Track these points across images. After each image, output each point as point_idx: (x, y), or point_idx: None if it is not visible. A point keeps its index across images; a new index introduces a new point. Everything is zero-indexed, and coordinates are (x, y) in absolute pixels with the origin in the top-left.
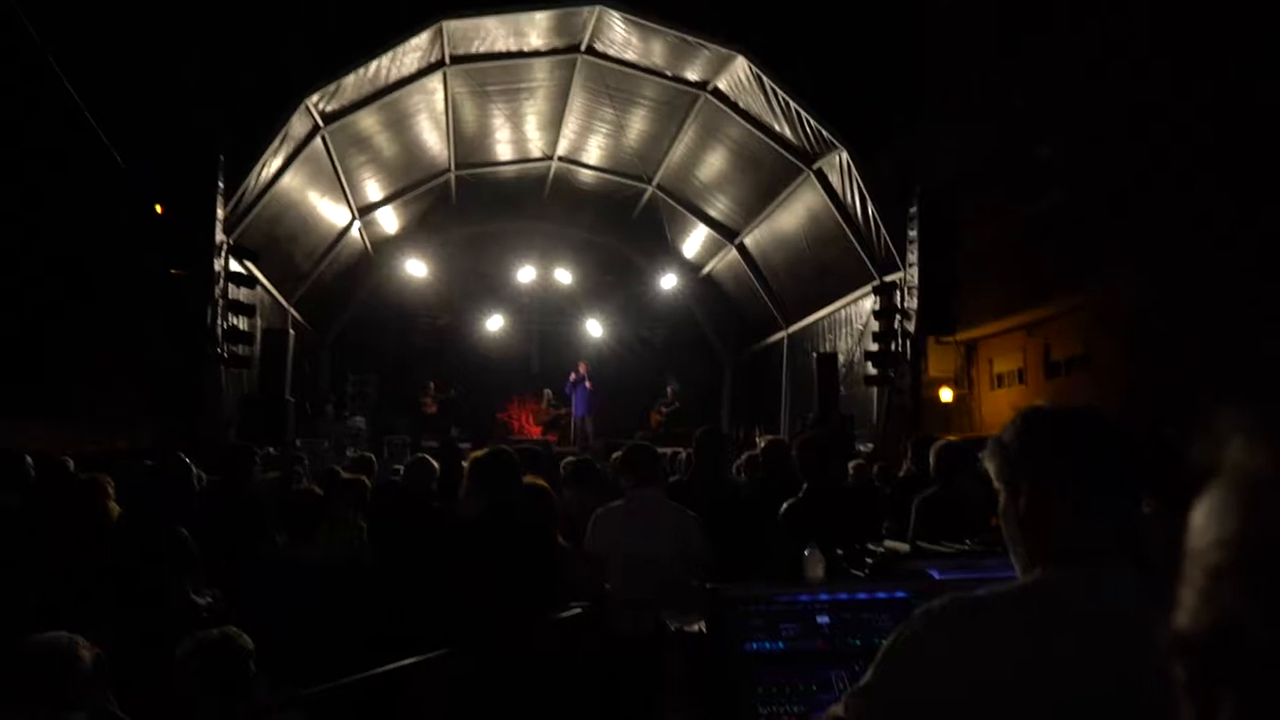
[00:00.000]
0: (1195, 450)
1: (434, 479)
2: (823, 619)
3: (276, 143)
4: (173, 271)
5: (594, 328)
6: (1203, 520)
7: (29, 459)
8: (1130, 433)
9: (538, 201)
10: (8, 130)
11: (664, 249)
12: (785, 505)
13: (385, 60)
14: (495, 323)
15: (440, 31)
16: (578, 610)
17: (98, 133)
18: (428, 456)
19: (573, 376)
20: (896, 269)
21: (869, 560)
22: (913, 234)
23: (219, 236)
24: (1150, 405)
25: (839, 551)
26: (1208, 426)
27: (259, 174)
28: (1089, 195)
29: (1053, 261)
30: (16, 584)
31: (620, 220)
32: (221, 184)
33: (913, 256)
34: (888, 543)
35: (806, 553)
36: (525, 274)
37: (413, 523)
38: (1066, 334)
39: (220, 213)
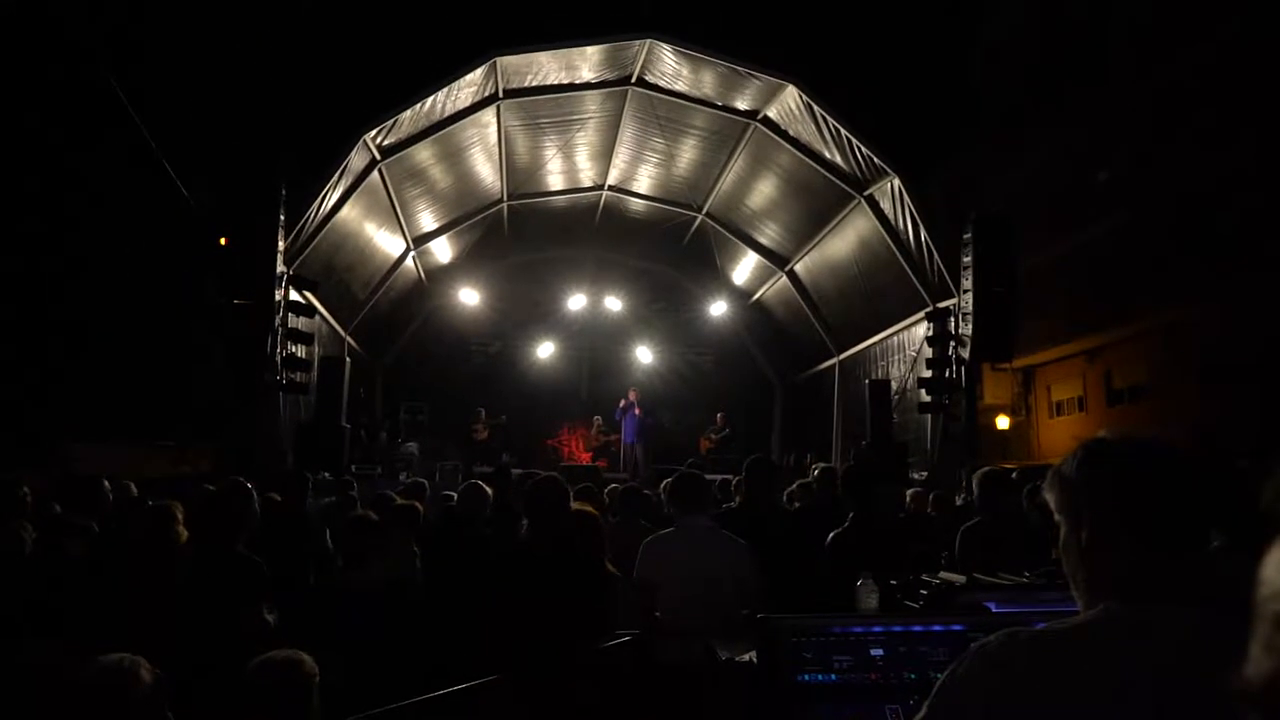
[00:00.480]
0: (1264, 491)
1: (487, 505)
2: (876, 651)
3: (336, 177)
4: (235, 301)
5: (644, 354)
6: (1271, 572)
7: (106, 484)
8: (1198, 464)
9: (588, 230)
10: (78, 164)
11: (714, 276)
12: (831, 535)
13: (441, 96)
14: (546, 350)
15: (494, 67)
16: (626, 638)
17: (166, 168)
18: (481, 483)
19: (622, 403)
20: (950, 295)
21: (923, 591)
22: (967, 259)
23: (280, 267)
24: (1220, 435)
25: (892, 582)
26: (1273, 474)
27: (319, 207)
28: (1152, 216)
29: (1114, 286)
30: (96, 604)
31: (670, 248)
32: (283, 217)
33: (967, 282)
34: (943, 574)
35: (859, 583)
36: (576, 302)
37: (463, 549)
38: (1129, 360)
39: (281, 244)
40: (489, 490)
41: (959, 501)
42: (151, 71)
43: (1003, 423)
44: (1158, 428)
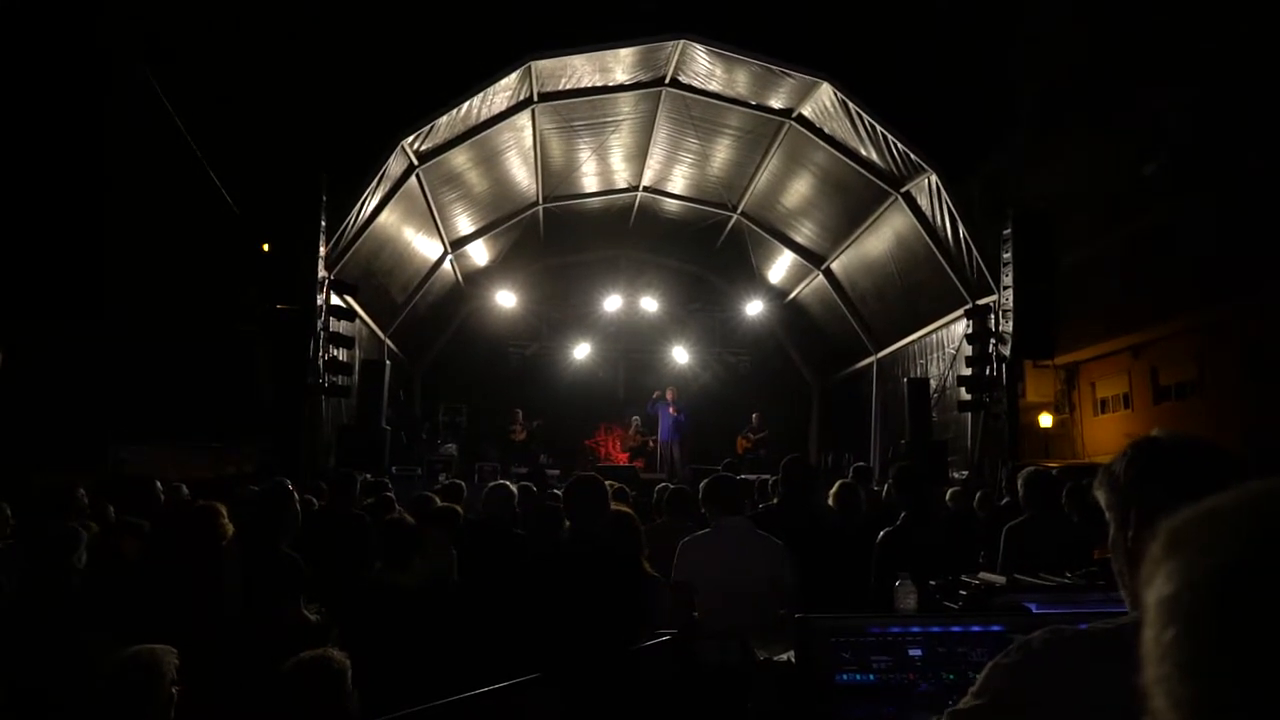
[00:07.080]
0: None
1: (513, 505)
2: (915, 651)
3: (375, 182)
4: (278, 306)
5: (680, 355)
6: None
7: (158, 484)
8: (1249, 463)
9: (623, 232)
10: (125, 175)
11: (749, 276)
12: (883, 533)
13: (476, 101)
14: (583, 351)
15: (529, 71)
16: (664, 639)
17: (211, 177)
18: (507, 483)
19: (655, 395)
20: (990, 292)
21: (963, 592)
22: (1006, 255)
23: (321, 273)
24: (1270, 433)
25: (932, 583)
26: None
27: (358, 213)
28: (1198, 211)
29: (1160, 281)
30: (150, 603)
31: (705, 248)
32: (324, 223)
33: (1007, 278)
34: (983, 574)
35: (897, 584)
36: (612, 303)
37: (498, 550)
38: (1177, 356)
39: (322, 250)
40: (515, 490)
41: (1003, 502)
42: (195, 81)
43: (1045, 421)
44: (1206, 425)
